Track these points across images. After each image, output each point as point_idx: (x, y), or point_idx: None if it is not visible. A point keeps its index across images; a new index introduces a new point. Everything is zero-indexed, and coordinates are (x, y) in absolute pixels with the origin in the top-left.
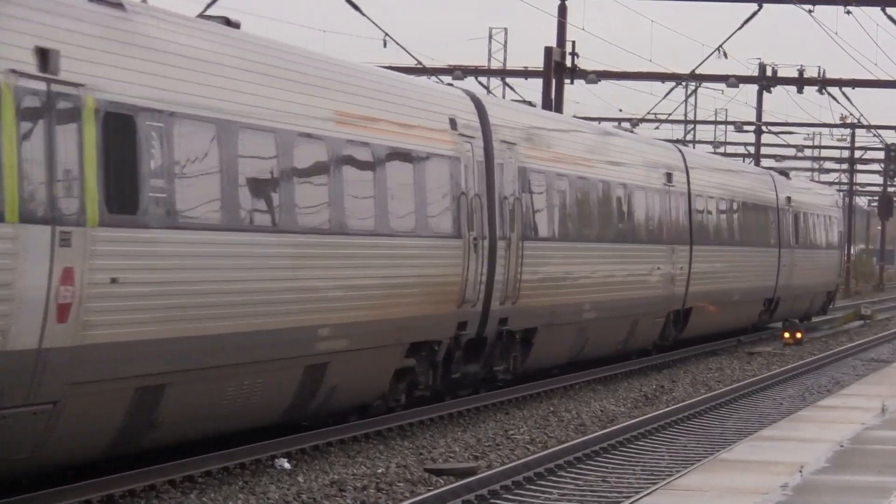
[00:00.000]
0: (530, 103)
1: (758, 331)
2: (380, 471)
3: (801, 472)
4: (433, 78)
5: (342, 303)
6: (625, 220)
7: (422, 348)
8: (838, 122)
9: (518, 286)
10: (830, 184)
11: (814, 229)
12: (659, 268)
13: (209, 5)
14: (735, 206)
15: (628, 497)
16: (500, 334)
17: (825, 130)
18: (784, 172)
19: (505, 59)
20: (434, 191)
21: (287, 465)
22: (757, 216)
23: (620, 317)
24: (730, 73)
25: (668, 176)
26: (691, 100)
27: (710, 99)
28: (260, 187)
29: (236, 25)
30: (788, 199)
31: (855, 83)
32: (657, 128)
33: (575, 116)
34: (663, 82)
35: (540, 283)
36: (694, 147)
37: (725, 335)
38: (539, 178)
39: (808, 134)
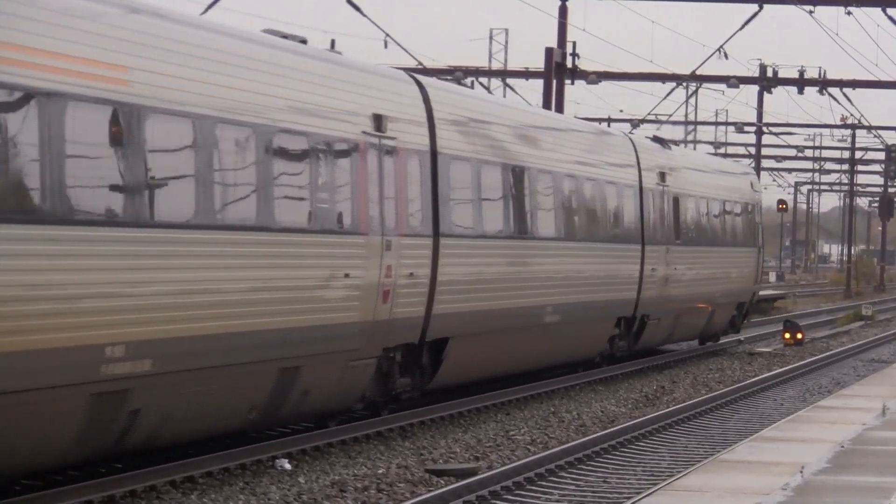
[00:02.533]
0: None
1: (615, 362)
2: (380, 471)
3: (801, 472)
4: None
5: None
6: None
7: None
8: (839, 122)
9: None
10: (831, 184)
11: (711, 220)
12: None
13: (210, 6)
14: (553, 183)
15: (629, 498)
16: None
17: (826, 131)
18: (660, 139)
19: (506, 60)
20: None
21: (288, 466)
22: (599, 199)
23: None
24: (730, 74)
25: None
26: (692, 100)
27: (711, 100)
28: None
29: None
30: (662, 176)
31: (855, 84)
32: (658, 129)
33: (576, 117)
34: (664, 83)
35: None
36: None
37: (522, 379)
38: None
39: (809, 135)
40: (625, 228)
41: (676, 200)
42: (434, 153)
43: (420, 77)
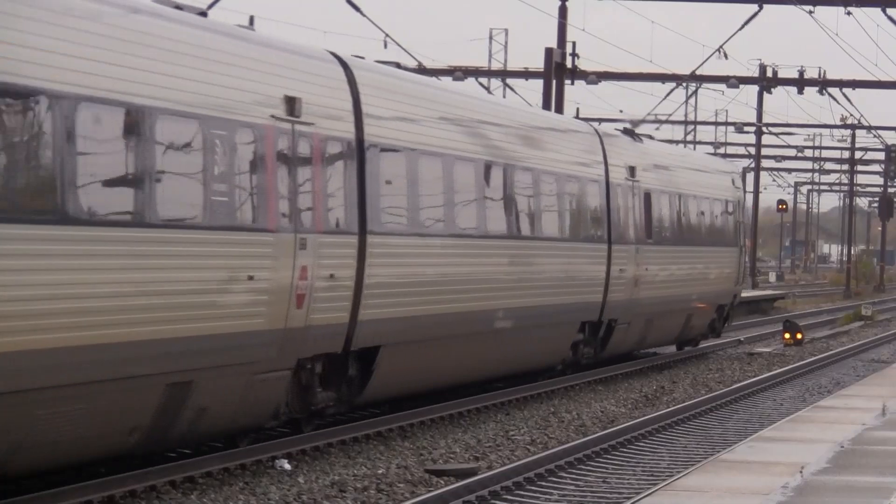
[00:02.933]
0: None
1: (580, 370)
2: (380, 471)
3: (801, 472)
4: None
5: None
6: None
7: None
8: (839, 122)
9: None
10: (831, 185)
11: (687, 218)
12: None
13: (211, 5)
14: (505, 176)
15: (629, 498)
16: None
17: (825, 131)
18: (630, 130)
19: (505, 60)
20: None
21: (287, 466)
22: (558, 195)
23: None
24: (730, 74)
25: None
26: (692, 101)
27: (711, 100)
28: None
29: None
30: (632, 170)
31: (855, 84)
32: (657, 129)
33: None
34: (664, 83)
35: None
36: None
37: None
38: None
39: (809, 135)
40: (588, 226)
41: (648, 197)
42: (361, 142)
43: (346, 57)
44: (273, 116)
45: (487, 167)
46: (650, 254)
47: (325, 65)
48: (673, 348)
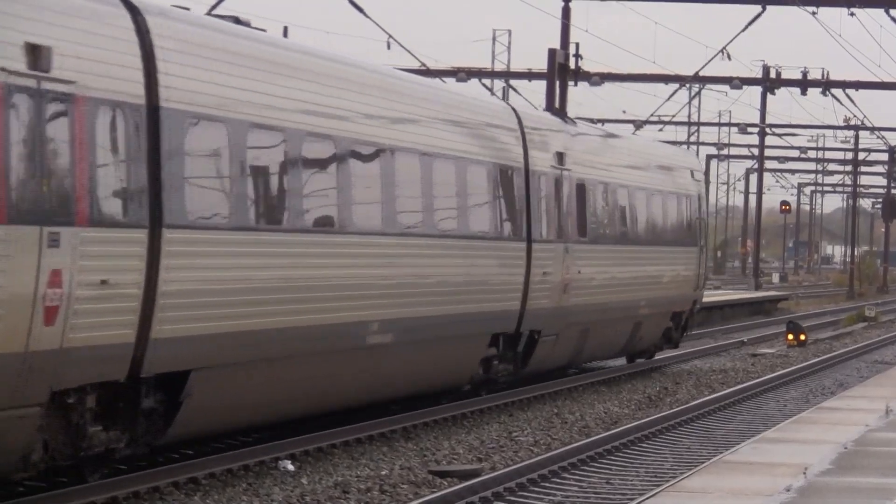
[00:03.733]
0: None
1: (498, 389)
2: (384, 472)
3: (805, 473)
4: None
5: None
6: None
7: None
8: (842, 123)
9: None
10: (834, 186)
11: (634, 213)
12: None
13: (214, 6)
14: (375, 158)
15: (632, 499)
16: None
17: (829, 132)
18: (561, 113)
19: (509, 61)
20: None
21: (291, 467)
22: (453, 183)
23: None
24: (733, 75)
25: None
26: (695, 102)
27: (714, 101)
28: None
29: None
30: (560, 157)
31: (859, 85)
32: (661, 130)
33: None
34: (667, 84)
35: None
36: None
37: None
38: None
39: (812, 136)
40: (497, 221)
41: (582, 188)
42: (155, 109)
43: (138, 1)
44: (4, 70)
45: (354, 146)
46: (584, 254)
47: (101, 7)
48: (622, 361)
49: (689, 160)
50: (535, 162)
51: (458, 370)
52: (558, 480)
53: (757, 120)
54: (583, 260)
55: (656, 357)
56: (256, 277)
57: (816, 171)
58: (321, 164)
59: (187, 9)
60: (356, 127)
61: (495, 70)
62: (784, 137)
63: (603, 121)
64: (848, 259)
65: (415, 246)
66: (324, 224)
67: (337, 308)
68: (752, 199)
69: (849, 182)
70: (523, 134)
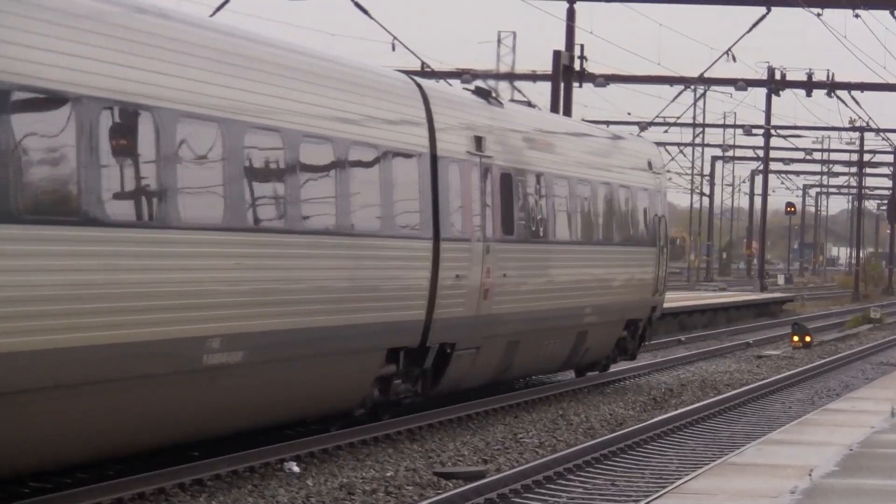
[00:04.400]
0: None
1: (404, 412)
2: (389, 474)
3: (810, 475)
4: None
5: None
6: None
7: None
8: (847, 125)
9: None
10: (839, 187)
11: (575, 209)
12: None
13: (219, 8)
14: (207, 135)
15: (637, 501)
16: None
17: (834, 134)
18: (483, 91)
19: (513, 63)
20: None
21: (296, 469)
22: (328, 169)
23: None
24: (738, 77)
25: None
26: (700, 103)
27: (719, 102)
28: None
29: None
30: (478, 141)
31: (864, 86)
32: (666, 131)
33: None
34: (672, 86)
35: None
36: (702, 151)
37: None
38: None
39: (817, 137)
40: (389, 215)
41: (508, 178)
42: None
43: None
44: None
45: (179, 121)
46: (511, 255)
47: None
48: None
49: (647, 149)
50: (444, 147)
51: (341, 393)
52: (564, 482)
53: (762, 121)
54: (509, 261)
55: (665, 358)
56: (39, 284)
57: (821, 173)
58: (132, 137)
59: None
60: (175, 94)
61: (500, 72)
62: (789, 139)
63: (608, 122)
64: (853, 261)
65: (273, 245)
66: (140, 217)
67: (157, 321)
68: (758, 200)
69: (854, 183)
70: (430, 113)
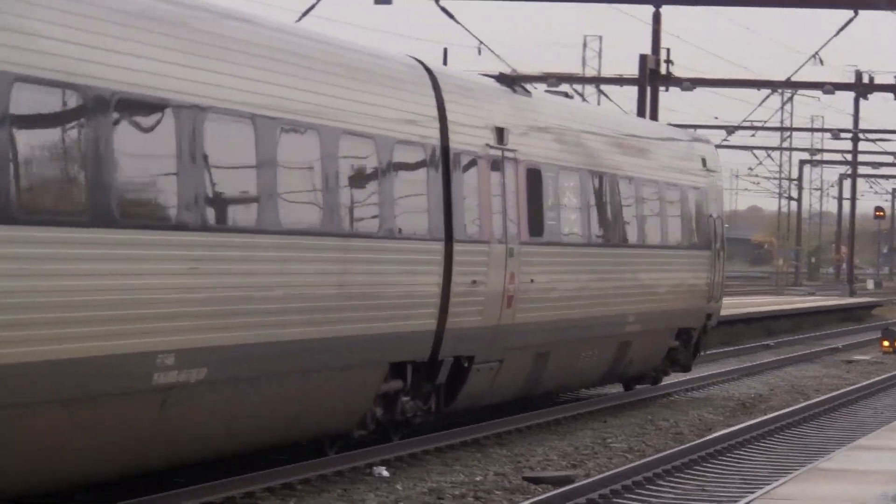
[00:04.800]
0: None
1: (411, 434)
2: (477, 479)
3: None
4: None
5: None
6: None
7: None
8: None
9: None
10: None
11: (617, 209)
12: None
13: (306, 12)
14: (177, 122)
15: None
16: None
17: None
18: (507, 78)
19: (599, 67)
20: None
21: (385, 473)
22: (327, 163)
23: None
24: (826, 80)
25: None
26: (787, 107)
27: (806, 106)
28: None
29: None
30: (500, 134)
31: None
32: (753, 135)
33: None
34: (758, 89)
35: None
36: (790, 156)
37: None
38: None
39: None
40: (391, 214)
41: (536, 175)
42: None
43: None
44: None
45: (135, 108)
46: (539, 258)
47: None
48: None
49: (701, 146)
50: (459, 139)
51: (332, 413)
52: (652, 487)
53: (850, 124)
54: (536, 266)
55: (753, 363)
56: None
57: None
58: (61, 123)
59: None
60: (112, 73)
61: (586, 76)
62: (878, 143)
63: (695, 126)
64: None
65: (243, 247)
66: (72, 214)
67: (96, 335)
68: (846, 204)
69: None
70: (441, 101)
